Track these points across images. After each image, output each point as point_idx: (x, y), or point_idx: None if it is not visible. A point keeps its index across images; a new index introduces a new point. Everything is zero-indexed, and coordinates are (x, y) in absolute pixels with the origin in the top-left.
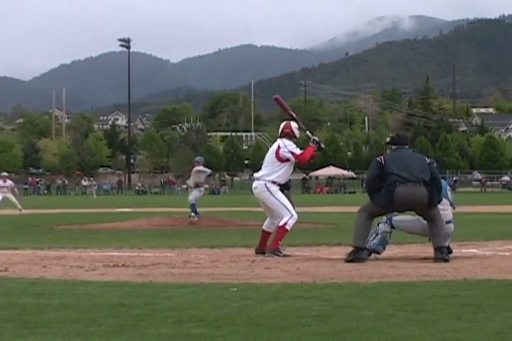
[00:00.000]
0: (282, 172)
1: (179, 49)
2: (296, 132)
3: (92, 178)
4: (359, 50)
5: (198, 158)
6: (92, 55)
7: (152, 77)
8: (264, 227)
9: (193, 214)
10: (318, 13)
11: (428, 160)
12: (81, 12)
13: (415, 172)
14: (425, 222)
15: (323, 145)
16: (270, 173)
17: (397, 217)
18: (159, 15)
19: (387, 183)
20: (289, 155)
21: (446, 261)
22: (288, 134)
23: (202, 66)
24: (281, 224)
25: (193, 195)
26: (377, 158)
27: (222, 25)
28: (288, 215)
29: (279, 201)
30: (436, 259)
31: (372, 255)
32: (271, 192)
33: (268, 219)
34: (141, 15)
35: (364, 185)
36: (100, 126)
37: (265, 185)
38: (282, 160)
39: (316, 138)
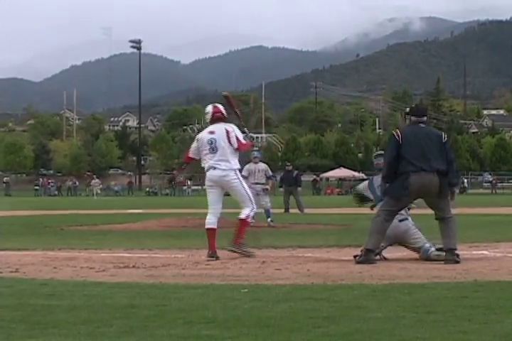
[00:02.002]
0: (237, 158)
1: (190, 50)
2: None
3: (94, 176)
4: (370, 52)
5: (256, 153)
6: (103, 57)
7: (163, 79)
8: (211, 225)
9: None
10: (328, 15)
11: (444, 139)
12: (93, 14)
13: (429, 159)
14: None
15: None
16: (234, 161)
17: None
18: (170, 16)
19: (400, 171)
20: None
21: (457, 262)
22: (220, 118)
23: (213, 67)
24: (243, 216)
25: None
26: (395, 134)
27: (233, 27)
28: (250, 207)
29: (245, 190)
30: (446, 261)
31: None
32: (240, 181)
33: (211, 216)
34: (152, 17)
35: (384, 166)
36: (111, 127)
37: (235, 173)
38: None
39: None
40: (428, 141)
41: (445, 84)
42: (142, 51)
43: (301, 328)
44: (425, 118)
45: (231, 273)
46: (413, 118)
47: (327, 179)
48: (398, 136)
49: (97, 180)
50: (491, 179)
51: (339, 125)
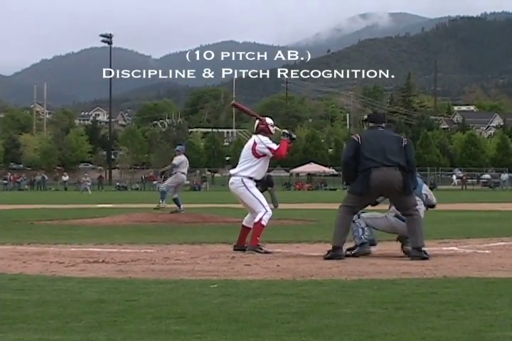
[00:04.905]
0: (258, 168)
1: (161, 45)
2: (272, 128)
3: (86, 174)
4: (341, 47)
5: (178, 147)
6: (73, 51)
7: (133, 73)
8: (243, 222)
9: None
10: (301, 10)
11: (405, 142)
12: (63, 7)
13: (389, 155)
14: (393, 219)
15: (294, 136)
16: (246, 169)
17: (366, 214)
18: (141, 11)
19: (361, 169)
20: (266, 151)
21: (425, 259)
22: (263, 130)
23: (183, 62)
24: (256, 220)
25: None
26: (354, 137)
27: (204, 21)
28: (262, 211)
29: (254, 196)
30: (413, 257)
31: (374, 248)
32: (247, 188)
33: (249, 215)
34: (123, 11)
35: (341, 167)
36: (81, 121)
37: (241, 180)
38: (258, 155)
39: (286, 131)
40: (388, 140)
41: (416, 80)
42: (113, 45)
43: (271, 324)
44: (384, 124)
45: (200, 268)
46: (371, 124)
47: (297, 174)
48: (357, 138)
49: (88, 178)
50: (461, 175)
51: (310, 120)
